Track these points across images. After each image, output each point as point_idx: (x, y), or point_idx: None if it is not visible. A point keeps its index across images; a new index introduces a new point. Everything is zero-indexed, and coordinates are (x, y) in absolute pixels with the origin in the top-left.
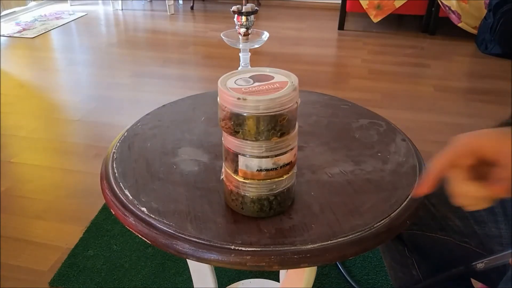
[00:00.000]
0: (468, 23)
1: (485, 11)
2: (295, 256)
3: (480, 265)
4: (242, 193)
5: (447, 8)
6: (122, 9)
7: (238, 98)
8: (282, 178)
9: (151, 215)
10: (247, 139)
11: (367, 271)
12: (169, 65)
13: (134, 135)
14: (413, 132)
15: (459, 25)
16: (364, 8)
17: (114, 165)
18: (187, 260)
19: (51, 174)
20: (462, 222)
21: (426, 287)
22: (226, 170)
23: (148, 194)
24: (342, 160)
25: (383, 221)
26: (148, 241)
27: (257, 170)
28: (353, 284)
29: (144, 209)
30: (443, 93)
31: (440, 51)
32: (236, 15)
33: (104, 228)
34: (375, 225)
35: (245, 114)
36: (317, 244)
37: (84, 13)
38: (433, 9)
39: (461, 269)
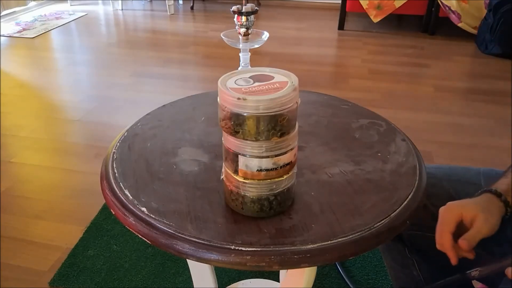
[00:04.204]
0: (468, 23)
1: (485, 11)
2: (295, 256)
3: (474, 273)
4: (242, 193)
5: (447, 8)
6: (122, 9)
7: (238, 98)
8: (282, 178)
9: (151, 215)
10: (247, 139)
11: (367, 271)
12: (169, 65)
13: (134, 135)
14: (413, 132)
15: (459, 25)
16: (364, 8)
17: (114, 165)
18: (187, 260)
19: (51, 174)
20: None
21: None
22: (226, 170)
23: (148, 194)
24: (342, 160)
25: (383, 221)
26: (148, 241)
27: (257, 170)
28: (351, 285)
29: (144, 209)
30: (443, 93)
31: (440, 51)
32: (236, 15)
33: (104, 228)
34: (375, 225)
35: (245, 114)
36: (317, 244)
37: (84, 13)
38: (433, 9)
39: (456, 277)
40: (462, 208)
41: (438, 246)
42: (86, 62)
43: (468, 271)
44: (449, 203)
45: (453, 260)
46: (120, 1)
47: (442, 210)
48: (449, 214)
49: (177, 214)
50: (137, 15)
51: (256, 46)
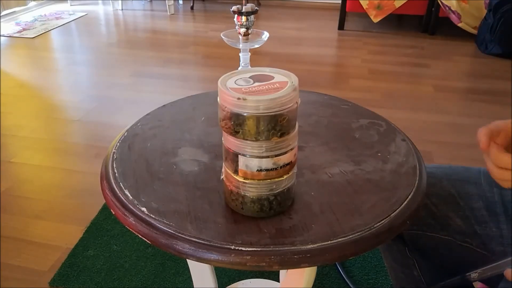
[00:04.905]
0: (468, 23)
1: (485, 11)
2: (295, 256)
3: (474, 275)
4: (242, 193)
5: (447, 8)
6: (122, 9)
7: (238, 98)
8: (282, 178)
9: (151, 215)
10: (247, 139)
11: (367, 271)
12: (169, 65)
13: (134, 135)
14: (413, 132)
15: (459, 25)
16: (364, 8)
17: (114, 165)
18: (187, 260)
19: (51, 174)
20: (463, 222)
21: None
22: (226, 170)
23: (148, 194)
24: (342, 160)
25: (383, 221)
26: (148, 241)
27: (257, 170)
28: (351, 285)
29: (144, 209)
30: (443, 93)
31: (440, 51)
32: (236, 15)
33: (104, 228)
34: (375, 225)
35: (245, 114)
36: (317, 244)
37: (84, 13)
38: (433, 9)
39: (457, 279)
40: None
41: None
42: (86, 62)
43: (468, 273)
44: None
45: None
46: (120, 1)
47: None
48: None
49: (177, 214)
50: (137, 15)
51: (256, 46)
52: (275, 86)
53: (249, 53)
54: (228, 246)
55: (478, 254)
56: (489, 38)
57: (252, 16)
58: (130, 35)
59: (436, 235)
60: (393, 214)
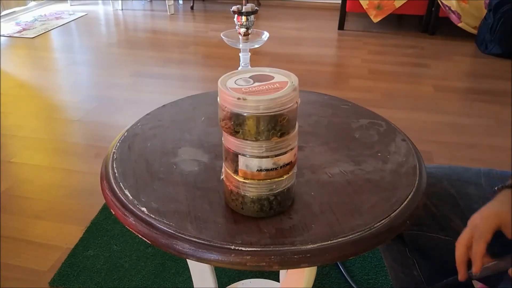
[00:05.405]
0: (468, 23)
1: (485, 11)
2: (295, 256)
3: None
4: (242, 193)
5: (447, 8)
6: (122, 9)
7: (238, 98)
8: (282, 178)
9: (151, 215)
10: (247, 139)
11: (367, 271)
12: (169, 65)
13: (134, 135)
14: (413, 132)
15: (459, 25)
16: (364, 8)
17: (114, 165)
18: (187, 260)
19: (51, 174)
20: (463, 222)
21: None
22: (226, 170)
23: (148, 194)
24: (342, 160)
25: (383, 221)
26: (148, 241)
27: (257, 170)
28: (352, 284)
29: (144, 209)
30: (443, 93)
31: (440, 51)
32: (236, 15)
33: (104, 228)
34: (375, 225)
35: (245, 114)
36: (317, 244)
37: (84, 13)
38: (433, 9)
39: (457, 277)
40: (498, 216)
41: (460, 255)
42: (86, 62)
43: (468, 271)
44: (482, 210)
45: (477, 269)
46: (120, 1)
47: (476, 218)
48: (486, 223)
49: (177, 214)
50: (137, 15)
51: (256, 46)
52: (275, 86)
53: (249, 53)
54: (228, 246)
55: None
56: (489, 38)
57: (252, 16)
58: (130, 35)
59: (436, 236)
60: (393, 214)
